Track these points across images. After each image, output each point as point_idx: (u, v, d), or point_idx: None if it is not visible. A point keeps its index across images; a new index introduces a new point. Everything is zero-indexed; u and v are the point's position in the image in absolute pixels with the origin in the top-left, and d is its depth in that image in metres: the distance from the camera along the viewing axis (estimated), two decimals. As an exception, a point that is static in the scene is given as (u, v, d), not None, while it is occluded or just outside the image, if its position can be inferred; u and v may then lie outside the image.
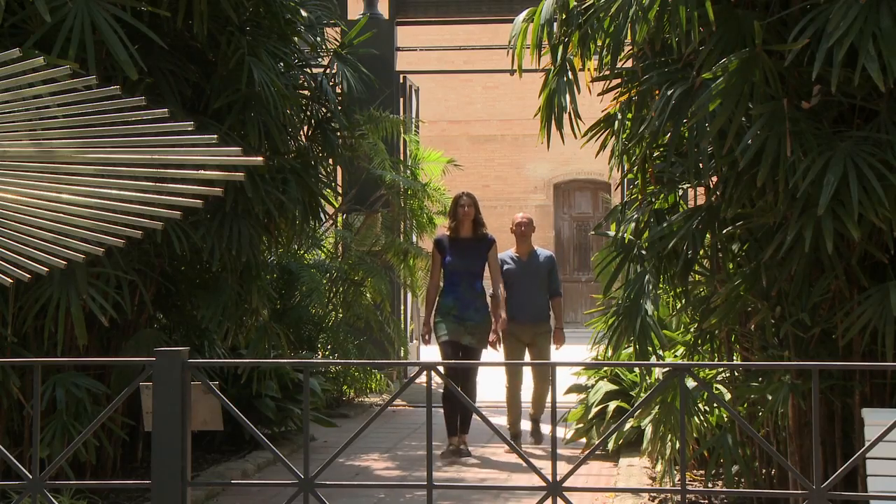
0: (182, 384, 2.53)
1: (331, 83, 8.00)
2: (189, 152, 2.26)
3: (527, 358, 8.52)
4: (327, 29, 8.40)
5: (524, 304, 8.32)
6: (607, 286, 6.37)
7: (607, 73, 5.81)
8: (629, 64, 5.97)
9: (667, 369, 3.38)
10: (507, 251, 8.56)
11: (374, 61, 9.30)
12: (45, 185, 2.28)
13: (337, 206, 9.95)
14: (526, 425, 8.70)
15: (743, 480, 5.95)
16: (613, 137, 6.25)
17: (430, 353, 9.34)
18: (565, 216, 22.52)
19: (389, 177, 11.10)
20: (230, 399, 7.51)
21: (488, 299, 8.28)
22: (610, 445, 7.83)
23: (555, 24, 5.86)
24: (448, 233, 8.35)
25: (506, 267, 8.41)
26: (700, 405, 6.32)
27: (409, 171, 11.89)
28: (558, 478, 2.63)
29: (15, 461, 2.55)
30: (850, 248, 5.04)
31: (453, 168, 12.72)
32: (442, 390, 8.13)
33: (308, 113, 7.96)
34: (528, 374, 8.66)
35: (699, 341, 6.16)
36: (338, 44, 8.32)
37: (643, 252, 6.04)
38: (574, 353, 10.72)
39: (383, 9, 13.09)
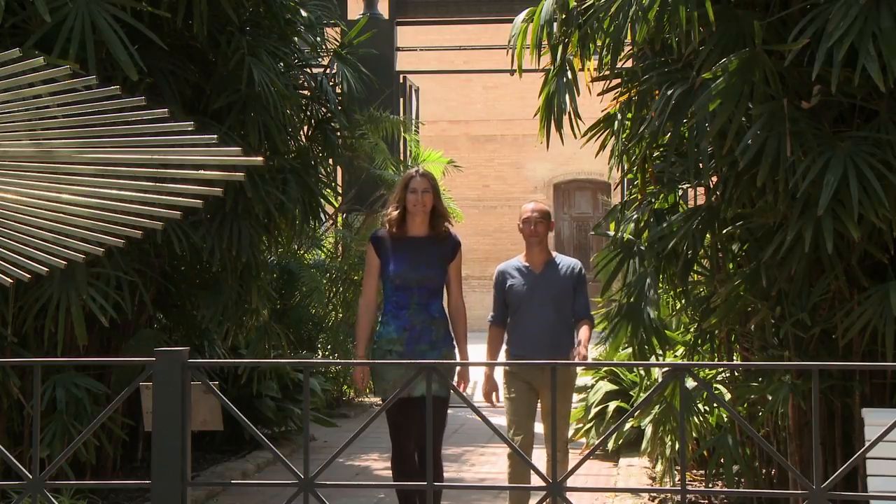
0: (182, 384, 2.52)
1: (331, 83, 8.00)
2: (189, 152, 2.26)
3: (539, 413, 5.79)
4: (327, 29, 8.40)
5: (537, 335, 5.61)
6: (606, 284, 6.38)
7: (607, 73, 5.81)
8: (629, 64, 5.97)
9: (667, 369, 3.38)
10: (511, 260, 5.87)
11: (374, 61, 9.30)
12: (45, 185, 2.28)
13: (337, 206, 9.95)
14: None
15: (743, 480, 5.95)
16: (613, 137, 6.25)
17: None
18: (565, 216, 22.52)
19: (390, 176, 11.11)
20: (230, 399, 7.51)
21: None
22: (610, 445, 7.83)
23: (554, 24, 5.86)
24: (389, 227, 5.44)
25: (510, 283, 5.72)
26: (700, 405, 6.32)
27: (408, 171, 11.88)
28: (558, 478, 2.63)
29: (15, 461, 2.55)
30: (850, 248, 5.04)
31: (453, 168, 12.73)
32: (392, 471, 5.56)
33: (308, 113, 7.97)
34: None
35: (699, 341, 6.16)
36: (338, 44, 8.33)
37: (642, 248, 6.04)
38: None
39: (383, 9, 13.11)
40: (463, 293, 5.57)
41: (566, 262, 5.79)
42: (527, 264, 5.75)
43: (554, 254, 5.84)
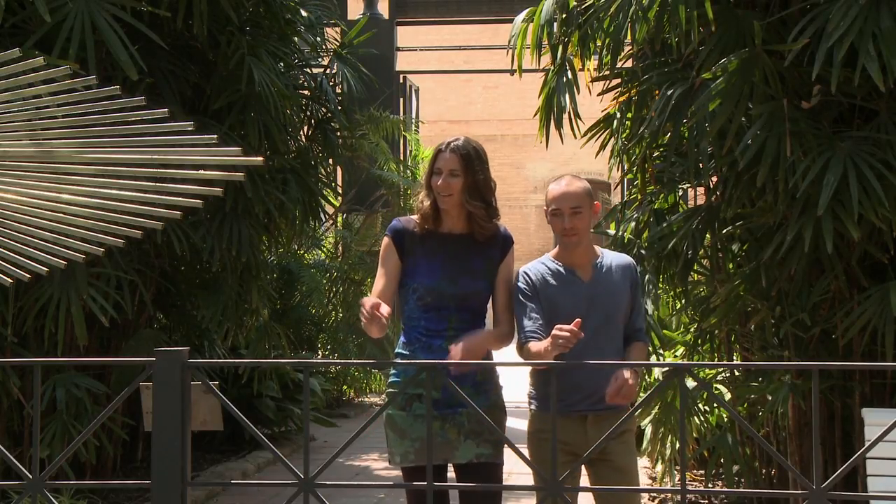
0: (182, 384, 2.52)
1: (331, 83, 8.01)
2: (189, 152, 2.26)
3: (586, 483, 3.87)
4: (327, 29, 8.41)
5: (581, 371, 3.74)
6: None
7: (607, 73, 5.81)
8: (629, 64, 5.97)
9: (667, 369, 3.38)
10: (538, 260, 3.89)
11: (374, 61, 9.31)
12: (45, 185, 2.28)
13: (337, 206, 9.96)
14: None
15: (743, 480, 5.95)
16: (613, 137, 6.25)
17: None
18: (565, 216, 22.54)
19: (388, 176, 11.12)
20: (230, 399, 7.52)
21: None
22: (610, 445, 7.82)
23: (555, 24, 5.86)
24: (417, 219, 3.78)
25: (547, 292, 3.77)
26: (700, 405, 6.32)
27: (408, 171, 11.90)
28: (558, 478, 2.63)
29: (15, 461, 2.55)
30: (850, 248, 5.04)
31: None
32: None
33: (308, 113, 7.97)
34: None
35: (699, 341, 6.16)
36: (338, 44, 8.33)
37: (643, 251, 6.04)
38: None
39: (383, 9, 13.12)
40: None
41: (617, 261, 3.87)
42: (563, 265, 3.81)
43: (600, 251, 3.91)
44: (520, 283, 3.77)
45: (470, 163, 3.67)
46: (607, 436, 2.55)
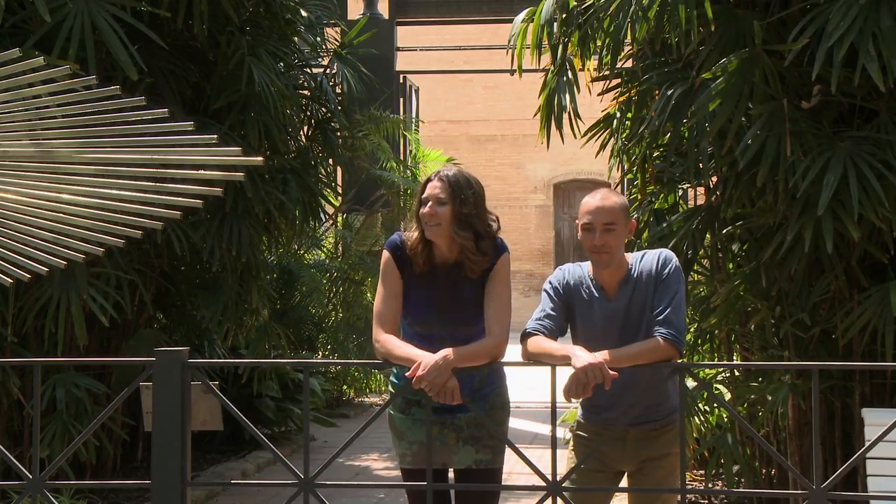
0: (182, 384, 2.53)
1: (331, 83, 8.01)
2: (189, 152, 2.26)
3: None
4: (327, 29, 8.41)
5: (620, 390, 3.37)
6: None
7: (607, 73, 5.81)
8: (629, 64, 5.97)
9: (667, 369, 3.37)
10: (578, 266, 3.66)
11: (374, 61, 9.30)
12: (45, 185, 2.28)
13: (337, 206, 9.95)
14: None
15: (743, 480, 5.95)
16: (613, 137, 6.25)
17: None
18: (565, 216, 22.52)
19: (388, 176, 11.12)
20: (230, 399, 7.52)
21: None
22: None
23: (554, 24, 5.86)
24: (410, 245, 3.60)
25: (576, 308, 3.59)
26: (700, 405, 6.32)
27: (409, 171, 11.90)
28: (558, 478, 2.63)
29: (15, 461, 2.55)
30: (850, 248, 5.04)
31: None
32: None
33: (308, 113, 7.97)
34: None
35: (699, 341, 6.16)
36: (338, 44, 8.34)
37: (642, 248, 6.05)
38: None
39: (383, 9, 13.11)
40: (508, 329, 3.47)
41: (647, 264, 3.53)
42: (597, 283, 3.58)
43: (630, 259, 3.57)
44: (553, 280, 3.62)
45: (458, 190, 3.49)
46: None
